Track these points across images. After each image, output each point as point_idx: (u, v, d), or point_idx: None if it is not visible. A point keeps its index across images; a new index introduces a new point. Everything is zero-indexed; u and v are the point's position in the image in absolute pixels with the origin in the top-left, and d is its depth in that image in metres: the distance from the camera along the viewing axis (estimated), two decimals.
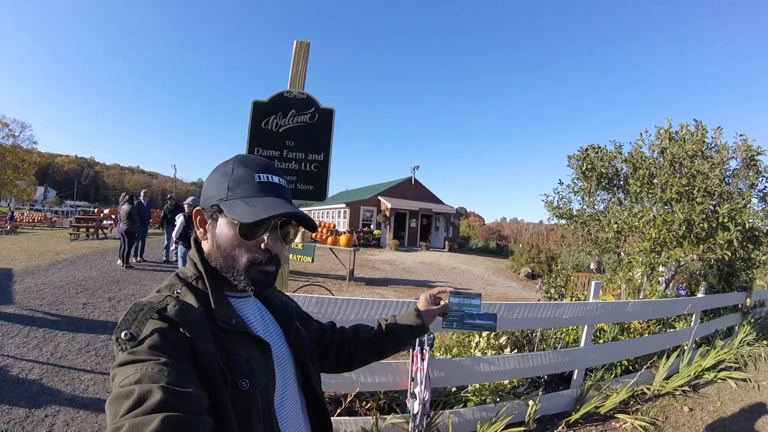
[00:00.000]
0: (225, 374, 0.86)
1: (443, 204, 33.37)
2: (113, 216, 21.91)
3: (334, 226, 23.13)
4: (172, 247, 7.95)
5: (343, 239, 12.39)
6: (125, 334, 0.79)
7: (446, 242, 29.66)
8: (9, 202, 53.42)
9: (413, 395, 2.83)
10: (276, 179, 1.03)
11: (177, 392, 0.70)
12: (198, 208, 1.03)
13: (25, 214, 30.93)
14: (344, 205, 29.56)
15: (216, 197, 0.99)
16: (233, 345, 0.91)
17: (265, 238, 0.98)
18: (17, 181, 48.65)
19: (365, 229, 28.30)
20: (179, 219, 8.02)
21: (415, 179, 32.36)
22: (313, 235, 12.83)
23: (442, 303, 1.56)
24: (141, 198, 11.91)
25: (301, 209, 1.00)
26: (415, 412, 2.81)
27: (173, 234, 7.69)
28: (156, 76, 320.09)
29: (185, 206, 7.99)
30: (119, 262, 10.85)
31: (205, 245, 1.03)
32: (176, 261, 12.45)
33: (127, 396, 0.67)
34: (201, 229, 1.04)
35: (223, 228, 0.98)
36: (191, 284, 0.97)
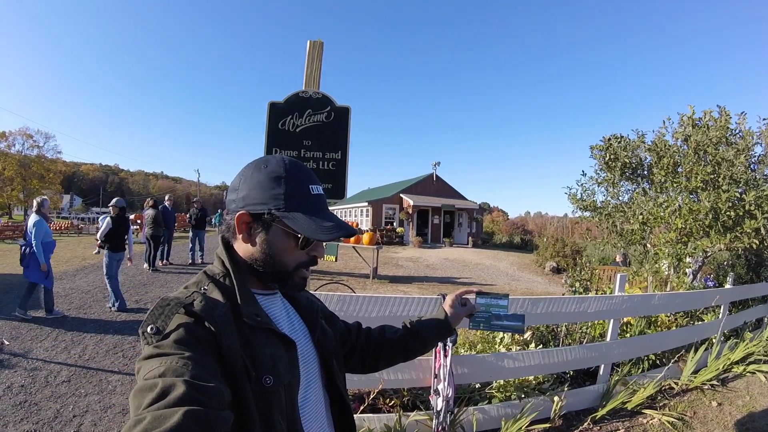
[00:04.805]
0: (249, 370, 0.86)
1: (466, 199, 33.11)
2: (139, 221, 22.31)
3: (357, 224, 23.05)
4: (97, 251, 7.40)
5: (366, 237, 12.41)
6: (151, 328, 0.80)
7: (470, 238, 29.52)
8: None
9: (437, 392, 2.83)
10: (321, 190, 1.05)
11: (200, 386, 0.71)
12: (243, 211, 0.98)
13: (52, 222, 31.61)
14: (366, 204, 29.63)
15: (270, 204, 0.96)
16: (258, 341, 0.91)
17: (312, 247, 1.04)
18: (43, 190, 49.95)
19: (388, 226, 28.26)
20: (104, 220, 7.22)
21: (436, 175, 32.21)
22: None
23: (468, 304, 1.54)
24: (165, 202, 12.13)
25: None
26: (438, 408, 2.80)
27: (97, 236, 7.16)
28: (177, 82, 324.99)
29: (110, 208, 7.29)
30: (146, 265, 11.08)
31: (244, 248, 1.02)
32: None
33: (151, 389, 0.68)
34: (243, 233, 1.00)
35: (278, 236, 0.98)
36: (218, 281, 0.98)
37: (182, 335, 0.81)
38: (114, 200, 7.39)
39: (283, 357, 0.94)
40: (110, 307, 6.97)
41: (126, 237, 7.32)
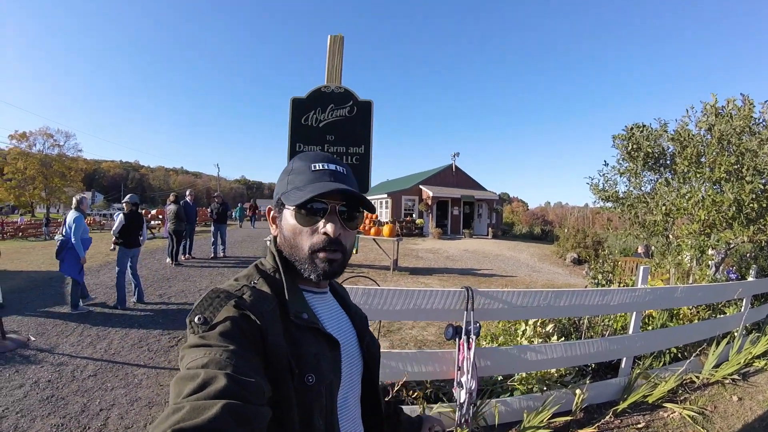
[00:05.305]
0: (292, 367, 0.86)
1: (485, 190, 32.84)
2: (161, 216, 22.67)
3: (377, 216, 22.86)
4: (113, 248, 7.39)
5: (385, 229, 12.45)
6: (199, 318, 0.82)
7: (489, 229, 29.32)
8: (58, 208, 55.83)
9: (460, 384, 2.84)
10: (333, 167, 1.02)
11: (241, 381, 0.71)
12: (269, 206, 1.10)
13: None
14: (386, 195, 29.57)
15: (280, 192, 1.03)
16: (304, 340, 0.91)
17: (322, 223, 0.97)
18: (65, 188, 50.86)
19: (407, 218, 28.13)
20: (118, 217, 7.33)
21: (456, 166, 32.03)
22: None
23: None
24: (187, 197, 12.31)
25: None
26: (461, 401, 2.82)
27: (112, 232, 7.33)
28: (196, 77, 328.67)
29: (123, 204, 7.44)
30: (168, 260, 11.30)
31: (279, 239, 1.06)
32: (213, 254, 12.76)
33: (192, 378, 0.69)
34: (273, 225, 1.08)
35: (287, 219, 1.01)
36: (269, 275, 1.00)
37: (228, 328, 0.81)
38: (127, 196, 7.53)
39: (326, 356, 0.94)
40: (116, 305, 6.91)
41: (141, 233, 7.43)
